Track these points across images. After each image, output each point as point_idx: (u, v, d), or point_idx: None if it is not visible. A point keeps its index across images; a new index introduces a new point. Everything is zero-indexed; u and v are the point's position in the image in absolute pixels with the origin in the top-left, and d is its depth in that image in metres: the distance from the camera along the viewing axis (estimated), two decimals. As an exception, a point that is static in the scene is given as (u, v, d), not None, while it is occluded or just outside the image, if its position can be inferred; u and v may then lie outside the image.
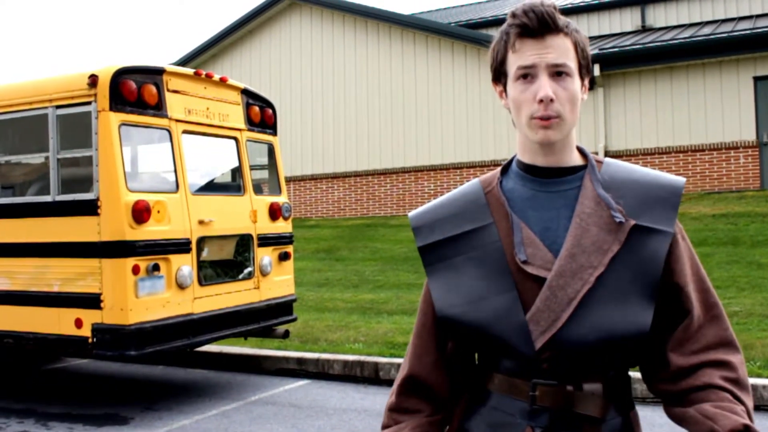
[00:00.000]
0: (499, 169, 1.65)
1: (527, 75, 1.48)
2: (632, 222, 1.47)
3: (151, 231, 6.08)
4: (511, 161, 1.65)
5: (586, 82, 1.56)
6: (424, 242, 1.61)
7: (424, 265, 1.61)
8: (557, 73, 1.47)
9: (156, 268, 6.08)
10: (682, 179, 1.55)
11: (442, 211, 1.63)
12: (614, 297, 1.44)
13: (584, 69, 1.53)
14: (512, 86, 1.52)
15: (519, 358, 1.46)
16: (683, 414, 1.46)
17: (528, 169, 1.57)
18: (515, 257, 1.49)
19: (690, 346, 1.49)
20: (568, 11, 18.62)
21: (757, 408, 5.79)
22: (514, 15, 1.50)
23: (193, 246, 6.46)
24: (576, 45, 1.51)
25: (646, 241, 1.47)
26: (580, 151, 1.59)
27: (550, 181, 1.54)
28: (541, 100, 1.46)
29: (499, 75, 1.57)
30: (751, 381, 5.87)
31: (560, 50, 1.48)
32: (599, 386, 1.46)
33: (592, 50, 15.26)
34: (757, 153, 14.14)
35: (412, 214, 1.68)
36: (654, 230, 1.48)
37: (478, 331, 1.50)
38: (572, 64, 1.49)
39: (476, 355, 1.63)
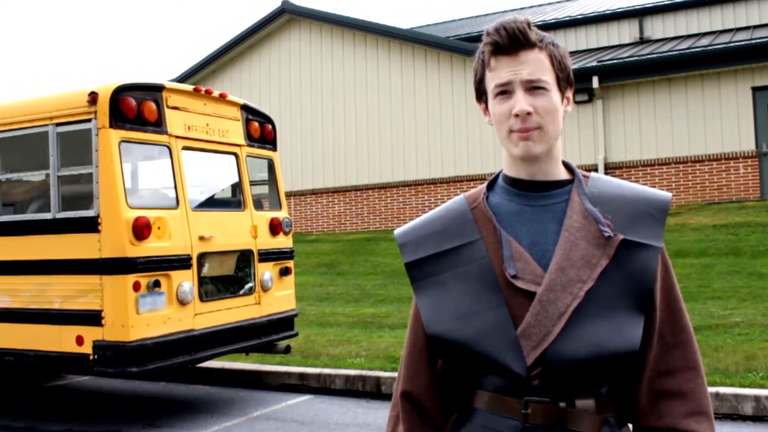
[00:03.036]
0: (484, 184, 1.64)
1: (505, 92, 1.50)
2: (621, 236, 1.47)
3: (152, 247, 6.08)
4: (497, 176, 1.65)
5: (569, 93, 1.57)
6: (411, 258, 1.61)
7: (411, 282, 1.61)
8: (534, 87, 1.48)
9: (157, 284, 6.08)
10: (668, 194, 1.56)
11: (428, 227, 1.63)
12: (604, 311, 1.43)
13: (564, 81, 1.54)
14: (492, 103, 1.54)
15: (509, 374, 1.45)
16: None
17: (514, 183, 1.57)
18: (504, 272, 1.48)
19: (653, 371, 1.50)
20: (566, 24, 18.70)
21: (761, 419, 5.77)
22: (487, 33, 1.51)
23: (194, 262, 6.46)
24: (552, 58, 1.51)
25: (635, 255, 1.47)
26: (566, 165, 1.60)
27: (536, 195, 1.55)
28: (516, 115, 1.47)
29: (480, 93, 1.59)
30: (754, 392, 5.85)
31: (535, 65, 1.48)
32: (592, 402, 1.45)
33: (590, 63, 15.31)
34: (756, 163, 14.16)
35: (398, 231, 1.67)
36: (642, 245, 1.48)
37: (467, 347, 1.48)
38: (548, 78, 1.49)
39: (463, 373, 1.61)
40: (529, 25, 1.49)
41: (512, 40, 1.47)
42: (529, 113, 1.47)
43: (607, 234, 1.47)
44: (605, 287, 1.44)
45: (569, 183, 1.56)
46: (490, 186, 1.64)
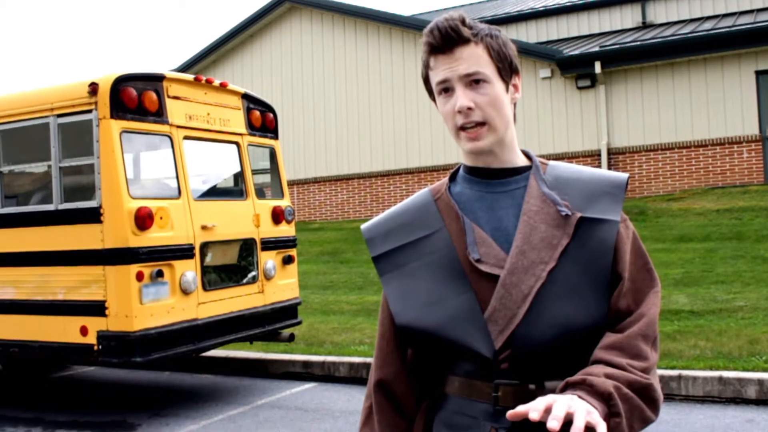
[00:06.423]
0: (447, 176, 1.68)
1: (447, 89, 1.53)
2: (578, 215, 1.50)
3: (154, 237, 6.09)
4: (458, 168, 1.68)
5: (516, 80, 1.58)
6: (378, 252, 1.64)
7: (379, 274, 1.63)
8: (474, 81, 1.50)
9: (160, 274, 6.09)
10: (625, 174, 1.59)
11: (393, 221, 1.66)
12: (567, 290, 1.45)
13: (505, 71, 1.55)
14: (438, 102, 1.57)
15: (479, 359, 1.47)
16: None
17: (472, 172, 1.61)
18: (469, 257, 1.50)
19: (611, 337, 1.45)
20: (568, 9, 18.61)
21: (765, 403, 5.77)
22: (424, 34, 1.55)
23: (197, 251, 6.47)
24: (489, 50, 1.53)
25: (594, 232, 1.49)
26: (525, 154, 1.63)
27: (496, 182, 1.58)
28: (459, 111, 1.50)
29: (430, 92, 1.61)
30: (758, 375, 5.85)
31: (471, 60, 1.51)
32: (561, 384, 1.43)
33: (592, 48, 15.25)
34: (760, 147, 14.11)
35: (364, 226, 1.70)
36: (600, 220, 1.50)
37: (436, 334, 1.50)
38: (487, 70, 1.51)
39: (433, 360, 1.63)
40: (462, 21, 1.51)
41: (445, 39, 1.50)
42: (470, 108, 1.50)
43: (564, 213, 1.49)
44: (568, 266, 1.47)
45: (528, 170, 1.59)
46: (453, 178, 1.68)
